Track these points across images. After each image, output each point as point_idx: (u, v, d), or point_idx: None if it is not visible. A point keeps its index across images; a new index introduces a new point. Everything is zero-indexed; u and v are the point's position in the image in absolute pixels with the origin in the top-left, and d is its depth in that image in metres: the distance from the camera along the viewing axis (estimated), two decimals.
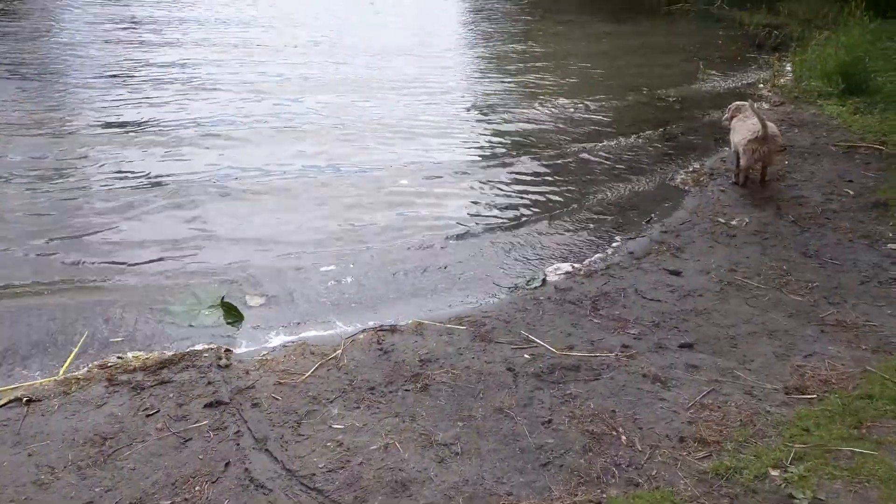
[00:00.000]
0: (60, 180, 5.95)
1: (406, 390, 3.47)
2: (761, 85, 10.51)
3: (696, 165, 7.20)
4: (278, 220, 5.58)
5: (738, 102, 6.69)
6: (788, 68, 11.35)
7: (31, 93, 8.15)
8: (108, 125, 7.21)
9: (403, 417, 3.26)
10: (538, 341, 3.95)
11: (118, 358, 3.70)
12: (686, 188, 6.59)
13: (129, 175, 6.14)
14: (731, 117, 6.60)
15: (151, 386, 3.43)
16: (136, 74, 8.61)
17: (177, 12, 11.89)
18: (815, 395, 3.43)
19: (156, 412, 3.23)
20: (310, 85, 9.18)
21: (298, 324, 4.23)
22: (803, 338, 4.03)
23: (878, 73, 9.22)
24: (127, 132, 7.08)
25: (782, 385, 3.54)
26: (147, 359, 3.69)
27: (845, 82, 9.02)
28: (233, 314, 4.24)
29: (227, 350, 3.81)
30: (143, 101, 8.08)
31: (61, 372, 3.60)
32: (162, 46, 9.38)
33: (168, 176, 6.20)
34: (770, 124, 6.01)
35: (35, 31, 10.58)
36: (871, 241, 5.30)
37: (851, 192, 6.20)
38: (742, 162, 6.28)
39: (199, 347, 3.86)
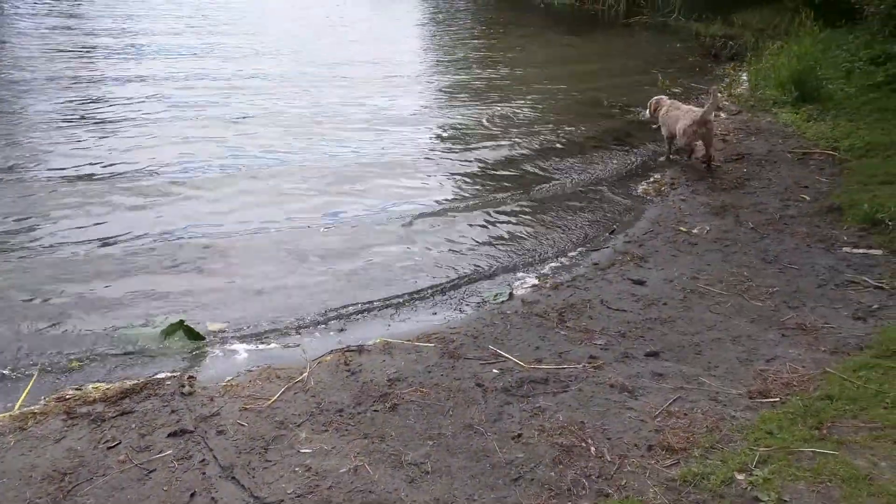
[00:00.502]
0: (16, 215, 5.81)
1: (375, 411, 3.44)
2: (719, 94, 10.70)
3: (658, 176, 7.32)
4: (238, 245, 5.49)
5: (656, 97, 7.69)
6: (744, 78, 11.62)
7: None
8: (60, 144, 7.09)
9: (373, 438, 3.23)
10: (506, 355, 3.96)
11: (76, 390, 3.61)
12: (648, 198, 6.70)
13: (87, 203, 6.02)
14: (654, 110, 7.55)
15: (112, 417, 3.35)
16: (94, 114, 8.31)
17: (129, 39, 11.63)
18: (777, 399, 3.48)
19: (117, 444, 3.16)
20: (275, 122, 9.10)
21: (263, 347, 4.18)
22: (765, 342, 4.09)
23: (828, 81, 9.48)
24: (81, 172, 6.94)
25: (746, 390, 3.59)
26: (107, 389, 3.61)
27: (798, 90, 9.26)
28: (193, 336, 4.18)
29: (191, 377, 3.75)
30: (98, 136, 7.93)
31: (16, 406, 3.49)
32: (119, 82, 9.12)
33: (127, 206, 6.10)
34: (708, 110, 6.91)
35: None
36: (828, 245, 5.43)
37: (808, 198, 6.36)
38: (681, 142, 7.16)
39: (161, 375, 3.78)
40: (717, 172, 7.23)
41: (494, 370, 3.81)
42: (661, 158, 7.75)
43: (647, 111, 7.85)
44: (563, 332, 4.25)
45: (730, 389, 3.61)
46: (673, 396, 3.53)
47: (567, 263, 5.43)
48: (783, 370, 3.76)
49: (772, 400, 3.47)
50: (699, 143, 7.13)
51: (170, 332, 4.20)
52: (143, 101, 8.60)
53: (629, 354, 3.99)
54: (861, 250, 5.29)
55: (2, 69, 9.85)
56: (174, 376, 3.76)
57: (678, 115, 7.22)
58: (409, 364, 3.88)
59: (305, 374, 3.76)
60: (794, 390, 3.53)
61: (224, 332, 4.32)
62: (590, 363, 3.88)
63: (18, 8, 13.82)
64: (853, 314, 4.39)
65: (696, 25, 16.41)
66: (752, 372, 3.78)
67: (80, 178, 6.48)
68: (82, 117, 8.01)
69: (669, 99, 7.64)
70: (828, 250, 5.34)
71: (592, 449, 3.14)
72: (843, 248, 5.35)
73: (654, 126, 7.80)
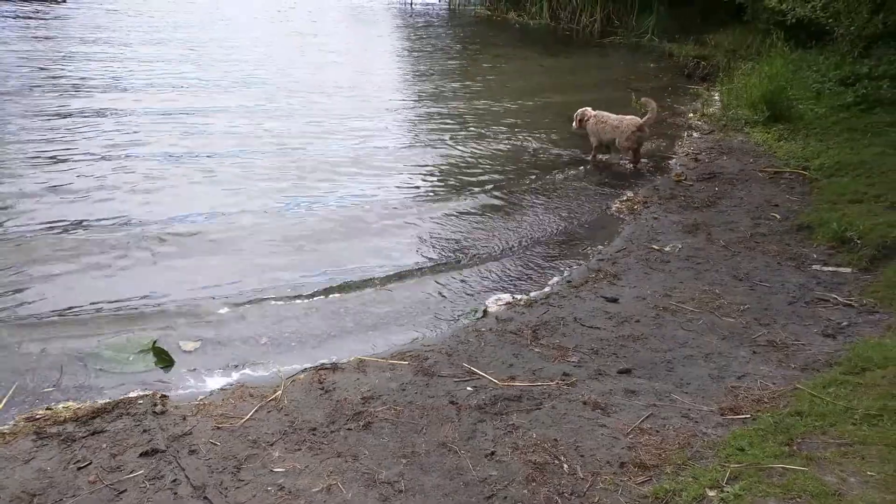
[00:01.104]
0: None
1: (348, 429, 3.43)
2: (691, 114, 10.90)
3: (630, 194, 7.41)
4: (212, 262, 5.44)
5: (581, 109, 8.44)
6: (716, 97, 11.82)
7: None
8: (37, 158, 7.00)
9: (346, 457, 3.22)
10: (480, 373, 3.97)
11: (47, 409, 3.56)
12: (621, 216, 6.77)
13: (61, 221, 5.94)
14: (581, 121, 8.37)
15: (83, 437, 3.31)
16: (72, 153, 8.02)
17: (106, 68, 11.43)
18: (748, 415, 3.52)
19: (88, 464, 3.11)
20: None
21: (236, 366, 4.15)
22: (737, 359, 4.15)
23: (799, 101, 9.67)
24: (56, 160, 6.86)
25: (718, 406, 3.64)
26: (78, 409, 3.56)
27: (770, 110, 9.44)
28: (164, 359, 4.14)
29: (163, 396, 3.71)
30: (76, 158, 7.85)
31: None
32: (99, 116, 8.94)
33: (99, 221, 6.03)
34: (647, 120, 7.94)
35: None
36: (798, 262, 5.53)
37: (778, 217, 6.47)
38: (626, 144, 8.05)
39: (133, 394, 3.74)
40: (689, 190, 7.34)
41: (468, 388, 3.82)
42: (589, 157, 8.57)
43: (574, 123, 8.52)
44: (536, 350, 4.28)
45: (701, 406, 3.65)
46: (645, 413, 3.57)
47: (541, 281, 5.46)
48: (754, 387, 3.81)
49: (743, 416, 3.51)
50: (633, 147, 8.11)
51: (142, 351, 4.17)
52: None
53: (602, 371, 4.02)
54: (830, 268, 5.40)
55: None
56: (146, 395, 3.72)
57: (610, 123, 8.12)
58: (384, 382, 3.88)
59: (279, 393, 3.74)
60: (765, 407, 3.58)
61: (197, 350, 4.29)
62: (563, 380, 3.90)
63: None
64: (823, 331, 4.46)
65: (669, 46, 16.66)
66: (724, 388, 3.83)
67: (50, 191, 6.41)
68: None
69: (594, 110, 8.37)
70: (798, 268, 5.44)
71: (565, 466, 3.15)
72: (813, 266, 5.45)
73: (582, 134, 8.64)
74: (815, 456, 3.10)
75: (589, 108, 8.46)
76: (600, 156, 8.55)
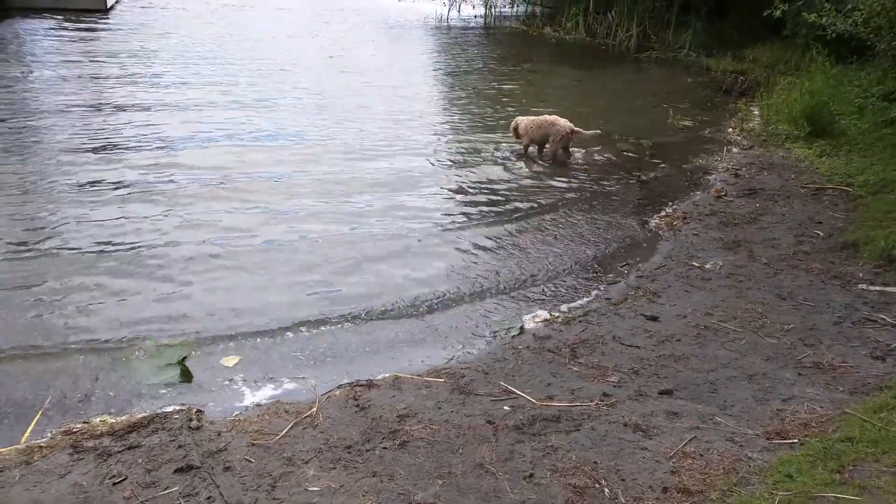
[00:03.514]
0: (24, 244, 5.82)
1: (384, 448, 3.39)
2: (730, 129, 10.74)
3: (669, 210, 7.29)
4: (252, 281, 5.43)
5: (514, 120, 9.00)
6: (756, 113, 11.64)
7: None
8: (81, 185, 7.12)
9: (381, 477, 3.17)
10: (518, 392, 3.90)
11: (83, 423, 3.58)
12: (660, 232, 6.66)
13: (99, 235, 6.03)
14: (516, 130, 8.90)
15: (119, 451, 3.31)
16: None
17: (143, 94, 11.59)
18: (795, 440, 3.41)
19: (123, 479, 3.11)
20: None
21: (273, 381, 4.14)
22: (781, 381, 4.02)
23: (841, 117, 9.47)
24: (103, 191, 6.96)
25: (763, 430, 3.52)
26: (114, 423, 3.58)
27: (811, 126, 9.25)
28: (185, 375, 4.15)
29: (199, 411, 3.71)
30: (120, 163, 7.98)
31: (23, 440, 3.46)
32: (137, 138, 8.92)
33: (139, 236, 6.10)
34: (564, 120, 8.67)
35: None
36: (843, 281, 5.36)
37: (822, 234, 6.30)
38: (553, 147, 8.72)
39: (169, 409, 3.74)
40: (730, 206, 7.20)
41: (506, 407, 3.75)
42: (523, 156, 8.98)
43: (512, 135, 9.02)
44: (575, 369, 4.20)
45: (746, 430, 3.53)
46: (688, 436, 3.46)
47: (579, 297, 5.38)
48: (801, 410, 3.68)
49: (790, 441, 3.40)
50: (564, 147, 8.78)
51: (169, 364, 4.20)
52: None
53: (643, 392, 3.93)
54: (878, 287, 5.22)
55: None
56: (182, 410, 3.73)
57: (539, 123, 8.79)
58: (419, 400, 3.83)
59: (314, 409, 3.72)
60: (813, 431, 3.46)
61: (236, 364, 4.29)
62: (603, 401, 3.82)
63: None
64: (871, 353, 4.32)
65: (706, 60, 16.47)
66: (769, 411, 3.71)
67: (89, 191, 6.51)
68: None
69: (523, 117, 9.01)
70: (843, 287, 5.28)
71: (606, 490, 3.07)
72: (860, 285, 5.28)
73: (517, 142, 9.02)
74: (867, 485, 2.98)
75: (519, 116, 9.07)
76: (532, 150, 9.07)
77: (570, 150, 8.99)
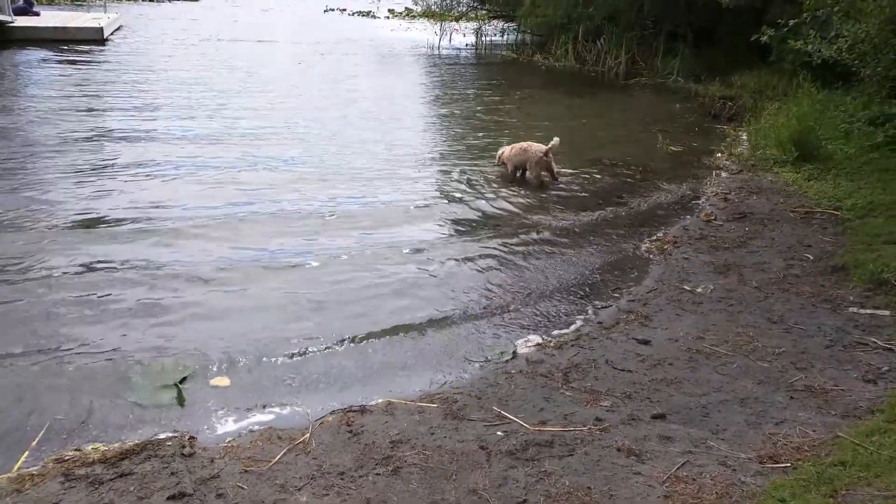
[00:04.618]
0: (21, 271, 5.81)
1: (377, 474, 3.38)
2: (719, 154, 10.85)
3: (660, 234, 7.34)
4: (244, 304, 5.43)
5: (502, 147, 9.27)
6: (744, 138, 11.78)
7: None
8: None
9: (374, 503, 3.16)
10: (511, 417, 3.90)
11: (75, 450, 3.55)
12: (651, 257, 6.70)
13: (94, 261, 6.03)
14: (500, 156, 9.14)
15: (111, 479, 3.29)
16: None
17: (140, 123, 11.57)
18: (788, 464, 3.41)
19: None
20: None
21: (265, 407, 4.12)
22: (774, 405, 4.04)
23: (828, 141, 9.60)
24: (97, 224, 6.97)
25: (756, 454, 3.53)
26: (106, 450, 3.55)
27: (798, 150, 9.37)
28: (181, 399, 4.14)
29: (191, 438, 3.69)
30: (116, 194, 7.99)
31: (15, 468, 3.43)
32: (135, 166, 8.76)
33: (132, 259, 6.11)
34: (542, 146, 8.78)
35: None
36: (834, 305, 5.40)
37: (811, 257, 6.36)
38: (533, 172, 8.89)
39: (161, 436, 3.72)
40: (720, 230, 7.26)
41: (499, 432, 3.75)
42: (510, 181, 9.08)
43: (497, 162, 9.26)
44: (568, 393, 4.20)
45: (739, 454, 3.54)
46: (681, 460, 3.47)
47: (571, 322, 5.39)
48: (793, 434, 3.70)
49: (783, 465, 3.40)
50: (545, 171, 8.97)
51: (165, 386, 4.19)
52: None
53: (635, 416, 3.93)
54: (868, 311, 5.27)
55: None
56: (175, 436, 3.70)
57: (517, 149, 8.95)
58: (412, 425, 3.82)
59: (307, 436, 3.70)
60: (806, 455, 3.47)
61: (227, 388, 4.27)
62: (595, 425, 3.82)
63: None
64: (863, 376, 4.34)
65: (694, 86, 16.70)
66: (762, 435, 3.72)
67: (81, 223, 6.51)
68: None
69: (507, 145, 9.26)
70: (834, 310, 5.32)
71: None
72: (850, 309, 5.32)
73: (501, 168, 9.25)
74: None
75: (504, 146, 9.29)
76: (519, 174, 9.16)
77: (558, 173, 9.06)
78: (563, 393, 4.21)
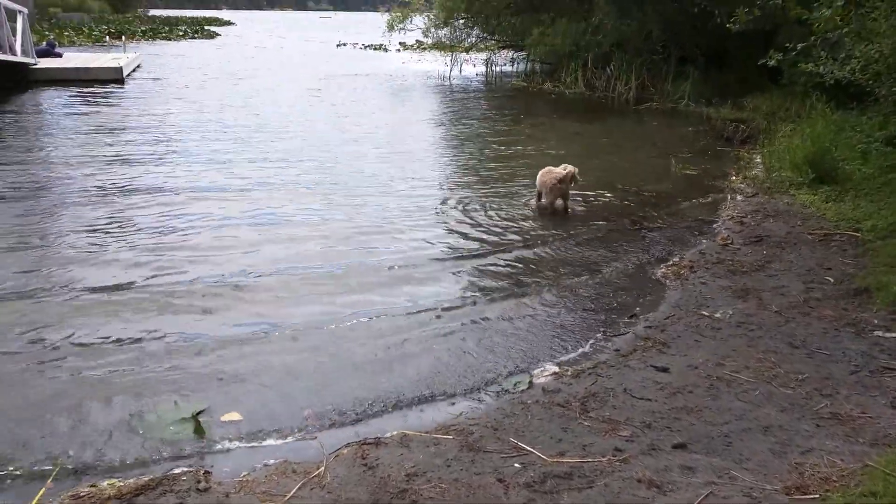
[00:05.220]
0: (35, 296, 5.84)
1: None
2: (733, 177, 10.79)
3: (676, 259, 7.25)
4: (256, 331, 5.44)
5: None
6: (758, 160, 11.71)
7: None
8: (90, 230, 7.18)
9: None
10: (528, 448, 3.82)
11: (91, 486, 3.51)
12: (667, 282, 6.61)
13: (107, 283, 6.07)
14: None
15: None
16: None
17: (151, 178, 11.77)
18: (817, 495, 3.30)
19: None
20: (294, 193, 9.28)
21: (279, 439, 4.07)
22: (799, 433, 3.93)
23: (845, 162, 9.51)
24: (110, 251, 7.03)
25: (782, 485, 3.42)
26: (122, 486, 3.51)
27: (814, 172, 9.29)
28: (199, 430, 4.10)
29: (206, 472, 3.64)
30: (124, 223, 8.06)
31: None
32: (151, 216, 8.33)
33: (144, 281, 6.13)
34: (560, 172, 8.68)
35: None
36: (858, 329, 5.29)
37: (832, 280, 6.25)
38: (548, 199, 8.87)
39: (177, 471, 3.68)
40: (737, 254, 7.17)
41: (516, 464, 3.67)
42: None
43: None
44: (586, 423, 4.12)
45: (764, 484, 3.43)
46: (704, 492, 3.37)
47: (588, 350, 5.31)
48: (820, 463, 3.59)
49: (811, 497, 3.29)
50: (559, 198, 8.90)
51: (183, 419, 4.16)
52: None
53: (656, 446, 3.84)
54: (894, 334, 5.15)
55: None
56: (190, 471, 3.66)
57: (544, 172, 8.93)
58: (428, 458, 3.75)
59: (322, 469, 3.65)
60: (834, 486, 3.36)
61: (240, 422, 4.23)
62: (615, 456, 3.73)
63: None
64: (891, 403, 4.22)
65: (706, 110, 16.71)
66: (787, 465, 3.61)
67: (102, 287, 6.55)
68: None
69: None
70: (858, 335, 5.20)
71: None
72: (875, 332, 5.21)
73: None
74: None
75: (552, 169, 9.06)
76: (539, 202, 9.14)
77: (571, 200, 9.05)
78: (580, 423, 4.12)
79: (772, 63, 10.90)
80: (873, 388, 4.41)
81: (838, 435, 3.88)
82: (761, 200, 9.21)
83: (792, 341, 5.13)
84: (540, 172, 8.98)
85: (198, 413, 4.24)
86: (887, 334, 5.15)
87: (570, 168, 8.71)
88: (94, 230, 7.59)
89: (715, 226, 8.40)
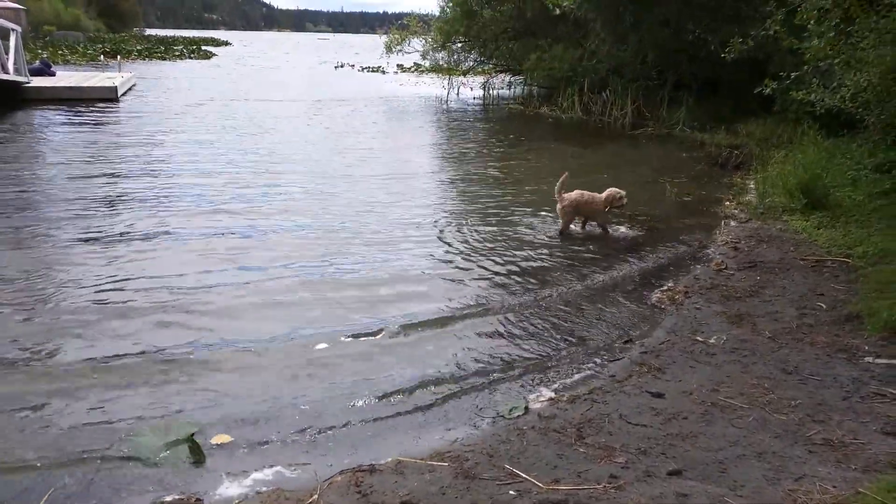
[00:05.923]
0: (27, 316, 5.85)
1: None
2: (727, 203, 10.87)
3: (671, 284, 7.30)
4: (247, 360, 5.43)
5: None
6: (751, 185, 11.81)
7: None
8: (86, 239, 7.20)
9: None
10: (523, 475, 3.82)
11: None
12: (662, 307, 6.65)
13: (92, 300, 6.08)
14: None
15: None
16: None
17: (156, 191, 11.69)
18: None
19: None
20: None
21: (272, 466, 4.05)
22: (792, 459, 3.94)
23: (836, 189, 9.61)
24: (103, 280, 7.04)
25: None
26: None
27: (806, 198, 9.37)
28: (196, 453, 4.09)
29: (198, 500, 3.64)
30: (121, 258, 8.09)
31: None
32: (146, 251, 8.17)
33: (129, 298, 6.13)
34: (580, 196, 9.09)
35: None
36: (849, 354, 5.32)
37: (824, 306, 6.29)
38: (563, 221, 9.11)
39: (168, 498, 3.67)
40: (731, 279, 7.22)
41: (511, 491, 3.67)
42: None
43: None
44: (581, 449, 4.12)
45: None
46: None
47: (583, 375, 5.32)
48: (814, 490, 3.59)
49: None
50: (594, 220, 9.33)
51: (178, 442, 4.14)
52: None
53: (651, 473, 3.84)
54: (885, 360, 5.18)
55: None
56: (181, 498, 3.65)
57: (578, 194, 9.17)
58: (423, 485, 3.75)
59: (315, 497, 3.64)
60: None
61: (231, 446, 4.22)
62: (610, 483, 3.73)
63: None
64: (882, 429, 4.24)
65: (700, 136, 16.87)
66: (782, 492, 3.62)
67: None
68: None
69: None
70: (850, 360, 5.23)
71: None
72: (866, 358, 5.24)
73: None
74: None
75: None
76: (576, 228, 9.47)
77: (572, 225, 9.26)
78: (576, 449, 4.13)
79: (767, 92, 11.06)
80: (864, 414, 4.43)
81: (830, 461, 3.89)
82: (755, 226, 9.28)
83: (785, 367, 5.16)
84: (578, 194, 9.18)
85: (191, 435, 4.22)
86: (878, 360, 5.18)
87: (610, 191, 9.06)
88: (86, 242, 7.67)
89: (709, 251, 8.46)
